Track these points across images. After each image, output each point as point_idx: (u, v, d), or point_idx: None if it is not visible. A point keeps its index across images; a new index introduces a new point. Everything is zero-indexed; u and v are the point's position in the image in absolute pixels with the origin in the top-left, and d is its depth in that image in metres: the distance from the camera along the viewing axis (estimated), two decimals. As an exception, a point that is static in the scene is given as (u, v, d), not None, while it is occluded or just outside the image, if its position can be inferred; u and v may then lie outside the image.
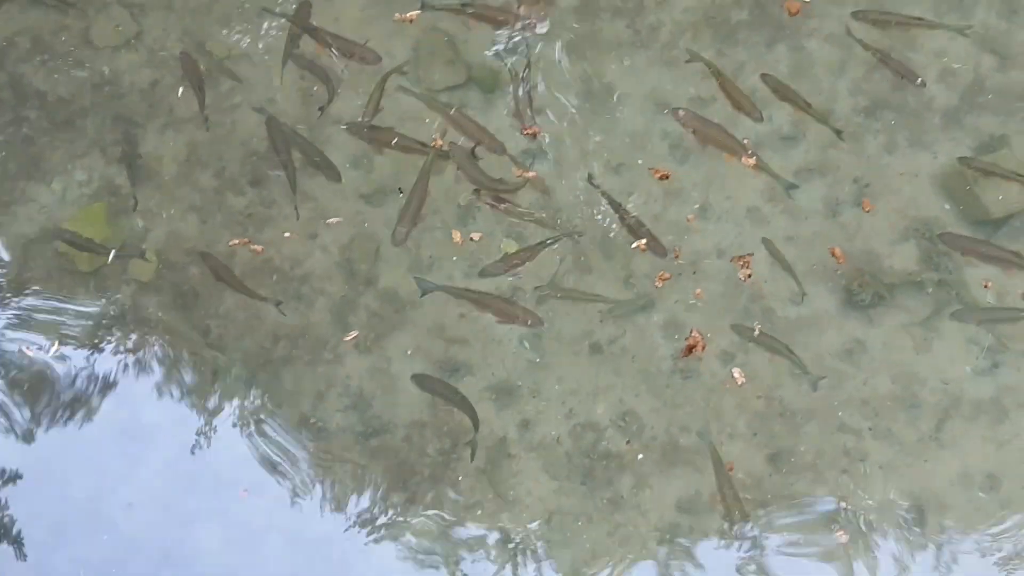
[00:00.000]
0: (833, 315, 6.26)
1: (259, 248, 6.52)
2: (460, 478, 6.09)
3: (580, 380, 6.23)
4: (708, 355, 6.21)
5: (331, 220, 6.48)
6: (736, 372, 6.20)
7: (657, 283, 6.35)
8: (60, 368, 6.32)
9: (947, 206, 6.40)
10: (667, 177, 6.55)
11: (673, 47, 6.83)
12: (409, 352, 6.33)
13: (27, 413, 6.24)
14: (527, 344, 6.31)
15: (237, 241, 6.53)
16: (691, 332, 6.28)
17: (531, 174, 6.55)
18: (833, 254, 6.38)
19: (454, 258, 6.48)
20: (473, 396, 6.20)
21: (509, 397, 6.21)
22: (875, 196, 6.44)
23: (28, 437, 6.20)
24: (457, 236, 6.47)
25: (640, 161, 6.60)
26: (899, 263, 6.34)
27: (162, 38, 6.96)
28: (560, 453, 6.12)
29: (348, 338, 6.35)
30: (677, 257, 6.39)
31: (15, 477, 6.16)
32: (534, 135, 6.67)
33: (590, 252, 6.41)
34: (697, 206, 6.50)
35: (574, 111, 6.73)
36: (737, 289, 6.33)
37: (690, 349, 6.26)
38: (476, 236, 6.47)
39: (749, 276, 6.39)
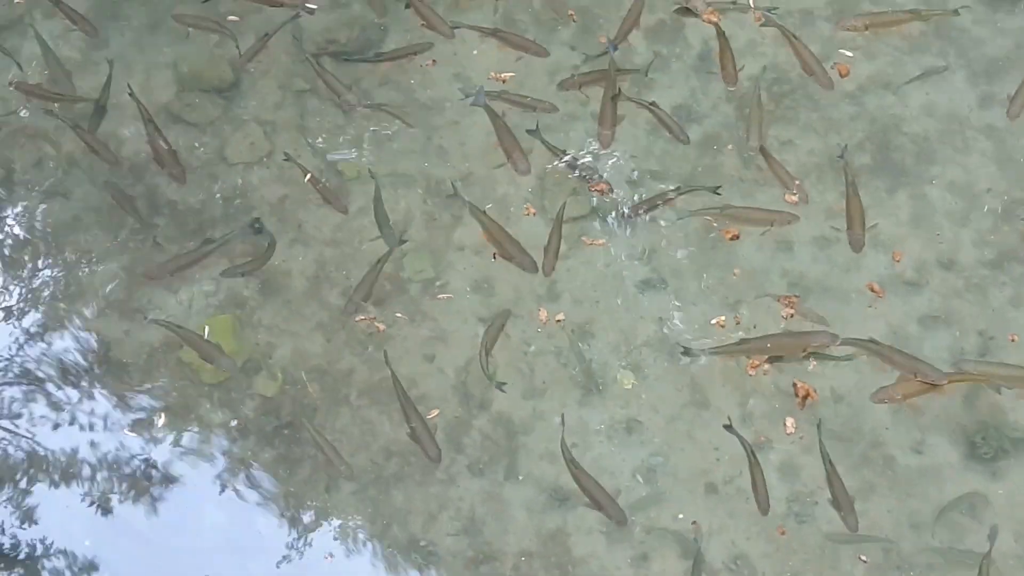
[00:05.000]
0: (955, 467, 6.18)
1: (381, 326, 6.65)
2: (571, 614, 6.06)
3: (695, 518, 6.17)
4: (825, 501, 6.13)
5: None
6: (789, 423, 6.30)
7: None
8: (180, 479, 6.39)
9: (1077, 363, 6.34)
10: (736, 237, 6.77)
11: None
12: (521, 477, 6.32)
13: (146, 523, 6.31)
14: (640, 478, 6.28)
15: (363, 317, 6.65)
16: (794, 384, 6.33)
17: None
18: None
19: (566, 386, 6.51)
20: (585, 527, 6.17)
21: (620, 531, 6.16)
22: (999, 349, 6.38)
23: (142, 544, 6.25)
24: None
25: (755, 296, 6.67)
26: (1023, 418, 6.26)
27: (293, 157, 7.14)
28: (672, 592, 6.06)
29: (431, 415, 6.45)
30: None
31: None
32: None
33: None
34: (818, 347, 6.50)
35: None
36: (857, 435, 6.27)
37: (804, 399, 6.29)
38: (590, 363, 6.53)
39: (792, 315, 6.49)
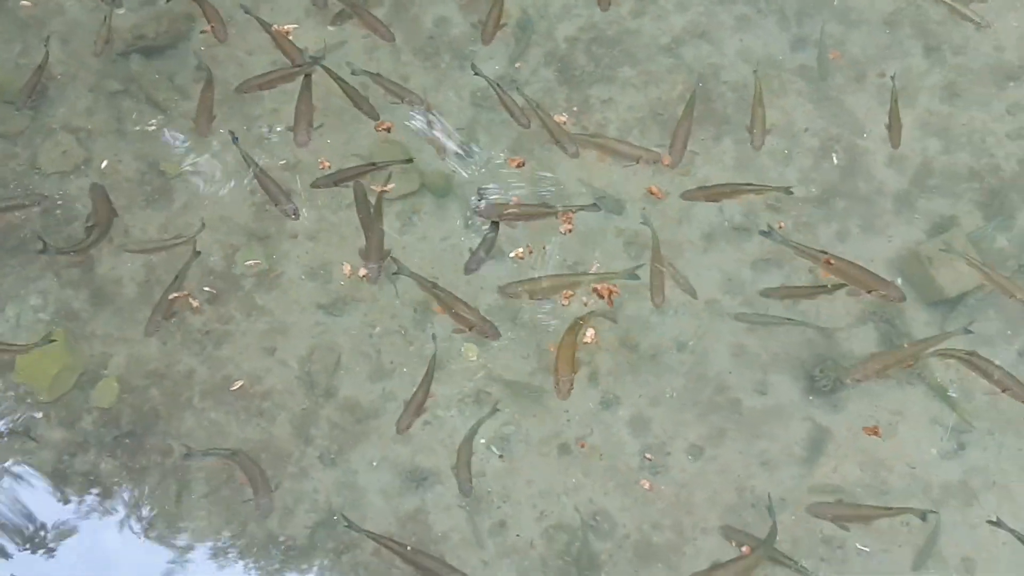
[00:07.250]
0: (797, 403, 6.29)
1: (196, 303, 6.53)
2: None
3: (550, 481, 6.19)
4: (677, 450, 6.21)
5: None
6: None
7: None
8: (24, 498, 6.18)
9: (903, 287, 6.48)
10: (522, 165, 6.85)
11: (622, 142, 6.92)
12: (375, 463, 6.27)
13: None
14: (495, 448, 6.27)
15: (177, 294, 6.46)
16: (594, 288, 6.49)
17: None
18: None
19: (414, 362, 6.46)
20: (443, 505, 6.14)
21: (479, 503, 6.15)
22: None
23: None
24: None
25: (597, 254, 6.68)
26: (858, 347, 6.40)
27: (113, 162, 6.93)
28: (535, 557, 6.06)
29: (234, 387, 6.40)
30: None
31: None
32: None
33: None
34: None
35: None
36: (701, 383, 6.34)
37: (609, 296, 6.49)
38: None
39: (570, 231, 6.65)
